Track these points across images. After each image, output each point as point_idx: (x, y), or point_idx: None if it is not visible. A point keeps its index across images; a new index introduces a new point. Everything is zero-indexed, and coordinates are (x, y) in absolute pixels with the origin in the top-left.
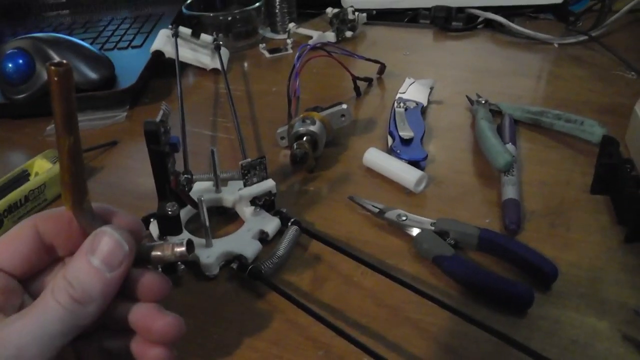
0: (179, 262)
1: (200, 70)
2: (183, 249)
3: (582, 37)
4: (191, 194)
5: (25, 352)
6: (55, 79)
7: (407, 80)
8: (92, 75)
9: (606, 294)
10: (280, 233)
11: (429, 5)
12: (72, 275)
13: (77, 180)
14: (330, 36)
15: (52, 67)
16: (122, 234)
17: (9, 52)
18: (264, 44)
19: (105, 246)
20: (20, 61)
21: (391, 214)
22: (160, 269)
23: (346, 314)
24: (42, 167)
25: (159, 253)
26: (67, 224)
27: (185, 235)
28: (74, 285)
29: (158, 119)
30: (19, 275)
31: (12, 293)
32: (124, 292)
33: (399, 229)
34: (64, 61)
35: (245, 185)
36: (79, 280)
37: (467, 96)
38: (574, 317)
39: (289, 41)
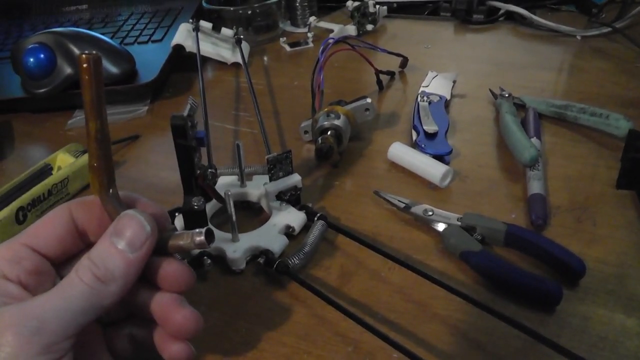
0: (206, 257)
1: (220, 65)
2: (202, 237)
3: (605, 29)
4: (216, 188)
5: (47, 325)
6: (85, 65)
7: (430, 74)
8: (113, 69)
9: (634, 290)
10: (306, 228)
11: None
12: (96, 255)
13: (104, 165)
14: (351, 29)
15: (84, 55)
16: (144, 217)
17: (30, 46)
18: (285, 38)
19: (128, 227)
20: (42, 56)
21: (417, 209)
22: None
23: (374, 310)
24: (65, 161)
25: (179, 242)
26: (98, 211)
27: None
28: (98, 264)
29: (185, 113)
30: (52, 258)
31: (45, 275)
32: (150, 279)
33: (425, 224)
34: (94, 52)
35: (270, 180)
36: (102, 259)
37: (490, 90)
38: (602, 314)
39: (309, 35)
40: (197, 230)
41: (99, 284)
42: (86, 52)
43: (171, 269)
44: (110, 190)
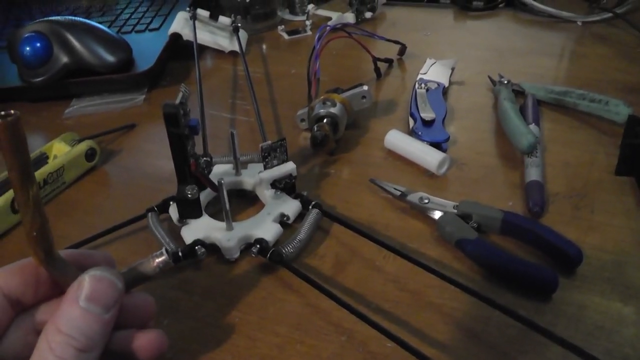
0: (199, 246)
1: (218, 53)
2: (163, 257)
3: (607, 15)
4: (211, 176)
5: None
6: (5, 132)
7: (428, 61)
8: (110, 58)
9: (632, 278)
10: (301, 216)
11: None
12: (69, 325)
13: (44, 231)
14: (350, 17)
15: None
16: (112, 273)
17: (26, 35)
18: (283, 26)
19: (99, 290)
20: (38, 45)
21: (413, 197)
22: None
23: (368, 299)
24: (61, 150)
25: (140, 270)
26: (33, 274)
27: (205, 218)
28: (75, 336)
29: (177, 101)
30: None
31: None
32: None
33: (421, 212)
34: (12, 111)
35: (265, 168)
36: (79, 329)
37: (489, 76)
38: (599, 302)
39: (307, 23)
40: (155, 253)
41: (82, 355)
42: (2, 113)
43: (132, 303)
44: (53, 254)
